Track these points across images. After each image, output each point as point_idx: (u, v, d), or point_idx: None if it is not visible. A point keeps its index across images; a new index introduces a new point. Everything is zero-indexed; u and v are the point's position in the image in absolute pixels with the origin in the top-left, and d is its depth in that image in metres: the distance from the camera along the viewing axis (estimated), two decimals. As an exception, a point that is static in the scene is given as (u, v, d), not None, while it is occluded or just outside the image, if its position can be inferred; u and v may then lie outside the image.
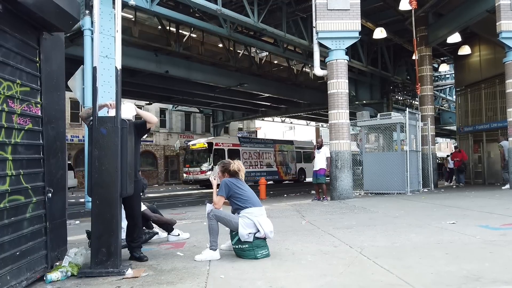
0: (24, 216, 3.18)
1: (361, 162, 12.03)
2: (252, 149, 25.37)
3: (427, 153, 13.82)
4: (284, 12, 15.18)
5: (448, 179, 18.61)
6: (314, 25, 10.22)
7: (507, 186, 11.72)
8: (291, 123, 43.23)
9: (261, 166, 25.47)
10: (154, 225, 5.19)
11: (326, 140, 11.78)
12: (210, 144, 22.83)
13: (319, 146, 10.20)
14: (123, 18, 13.94)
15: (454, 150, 18.02)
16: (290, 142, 29.94)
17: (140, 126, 4.03)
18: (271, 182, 25.23)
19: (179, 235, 5.12)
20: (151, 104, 27.48)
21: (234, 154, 23.46)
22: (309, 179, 28.50)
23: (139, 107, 26.93)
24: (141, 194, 4.21)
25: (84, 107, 7.90)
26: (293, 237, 4.89)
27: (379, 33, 15.02)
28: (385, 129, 11.97)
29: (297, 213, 7.59)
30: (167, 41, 16.13)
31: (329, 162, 10.03)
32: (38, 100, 3.48)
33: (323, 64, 10.69)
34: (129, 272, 3.43)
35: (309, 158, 28.63)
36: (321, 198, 10.08)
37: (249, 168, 23.68)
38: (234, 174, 4.09)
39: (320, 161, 10.06)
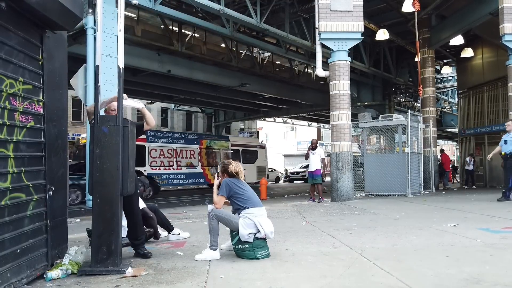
0: (25, 213, 3.19)
1: (362, 163, 12.04)
2: (165, 146, 19.42)
3: (428, 155, 13.82)
4: (287, 12, 15.18)
5: (469, 181, 16.91)
6: (316, 26, 10.22)
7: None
8: (292, 123, 43.20)
9: (178, 167, 19.65)
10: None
11: (328, 141, 11.78)
12: None
13: (314, 147, 10.27)
14: (126, 17, 13.99)
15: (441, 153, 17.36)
16: (225, 138, 24.71)
17: (138, 127, 4.08)
18: (194, 187, 21.02)
19: (179, 234, 5.12)
20: (153, 103, 27.38)
21: (137, 151, 19.19)
22: (248, 181, 26.77)
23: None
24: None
25: (86, 106, 7.93)
26: (293, 238, 4.89)
27: (382, 34, 15.01)
28: (386, 130, 11.97)
29: (298, 214, 7.59)
30: (169, 41, 16.14)
31: (324, 163, 10.10)
32: (40, 98, 3.49)
33: (325, 65, 10.70)
34: (129, 271, 3.44)
35: (251, 158, 25.06)
36: (318, 199, 10.14)
37: (159, 169, 18.45)
38: (233, 176, 4.09)
39: (315, 162, 10.15)
